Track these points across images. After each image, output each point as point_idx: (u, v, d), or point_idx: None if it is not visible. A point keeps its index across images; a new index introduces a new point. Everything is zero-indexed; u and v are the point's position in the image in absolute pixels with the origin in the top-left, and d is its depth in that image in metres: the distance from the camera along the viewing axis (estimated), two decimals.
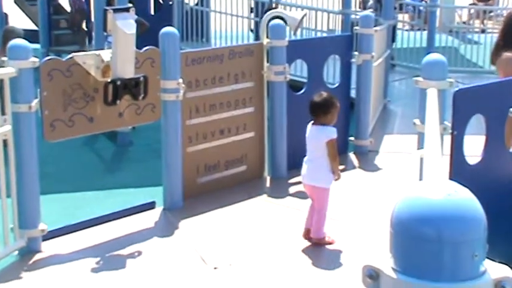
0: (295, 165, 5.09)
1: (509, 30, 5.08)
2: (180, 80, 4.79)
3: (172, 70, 4.76)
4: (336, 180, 4.16)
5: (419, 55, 9.44)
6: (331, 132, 4.13)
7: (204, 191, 5.20)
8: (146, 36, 6.36)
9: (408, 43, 10.99)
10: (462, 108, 3.61)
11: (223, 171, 5.38)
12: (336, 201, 4.66)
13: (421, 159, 3.35)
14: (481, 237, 1.37)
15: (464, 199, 1.39)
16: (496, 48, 5.11)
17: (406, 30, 12.33)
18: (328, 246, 4.23)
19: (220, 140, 5.33)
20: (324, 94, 4.22)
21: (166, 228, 4.60)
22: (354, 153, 6.35)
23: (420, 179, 3.35)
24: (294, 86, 6.54)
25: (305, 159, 4.23)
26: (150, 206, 4.94)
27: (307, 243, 4.24)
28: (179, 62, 4.82)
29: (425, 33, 10.80)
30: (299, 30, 8.41)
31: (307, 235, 4.28)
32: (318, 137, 4.15)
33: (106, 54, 4.25)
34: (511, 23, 5.10)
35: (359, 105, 6.38)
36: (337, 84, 6.40)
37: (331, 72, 8.81)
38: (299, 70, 9.08)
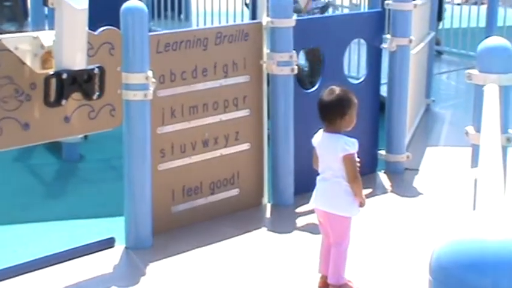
0: (304, 188, 5.09)
1: None
2: (150, 73, 4.81)
3: (139, 59, 4.77)
4: (360, 206, 4.17)
5: (475, 39, 9.49)
6: (349, 144, 4.13)
7: (182, 223, 5.20)
8: (103, 12, 6.37)
9: (460, 22, 11.03)
10: None
11: (208, 197, 5.39)
12: (361, 236, 4.66)
13: (475, 181, 3.36)
14: None
15: None
16: None
17: (458, 4, 12.41)
18: None
19: (204, 154, 5.34)
20: (337, 90, 4.22)
21: (129, 274, 4.59)
22: (385, 172, 6.36)
23: (473, 209, 3.35)
24: (303, 81, 6.55)
25: (319, 177, 4.25)
26: (108, 244, 4.94)
27: None
28: (148, 48, 4.84)
29: (483, 8, 10.86)
30: (310, 4, 8.47)
31: (324, 284, 4.28)
32: (332, 149, 4.16)
33: (47, 37, 4.26)
34: None
35: (392, 107, 6.41)
36: (362, 79, 6.43)
37: (355, 62, 8.86)
38: None
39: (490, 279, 1.35)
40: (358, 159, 4.23)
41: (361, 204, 4.17)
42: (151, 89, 4.81)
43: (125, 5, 4.81)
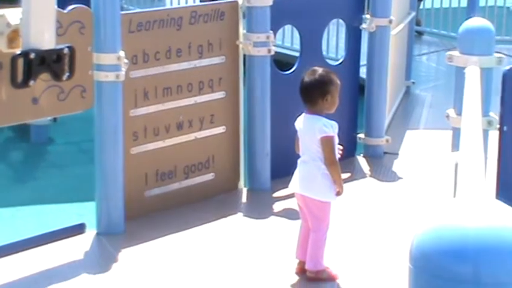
0: (282, 172, 5.10)
1: None
2: (122, 53, 4.78)
3: (110, 39, 4.75)
4: (337, 194, 4.19)
5: (456, 19, 9.52)
6: (327, 126, 4.14)
7: (155, 208, 5.19)
8: None
9: (441, 2, 11.06)
10: None
11: (182, 181, 5.38)
12: (339, 222, 4.68)
13: (456, 165, 3.38)
14: None
15: (510, 226, 1.39)
16: None
17: None
18: (328, 283, 4.24)
19: (178, 137, 5.32)
20: (319, 70, 4.25)
21: (100, 261, 4.58)
22: (364, 156, 6.38)
23: (454, 194, 3.37)
24: (281, 62, 6.53)
25: (299, 160, 4.26)
26: (79, 229, 4.92)
27: (302, 280, 4.25)
28: (119, 27, 4.81)
29: None
30: None
31: (301, 270, 4.30)
32: (311, 130, 4.17)
33: (14, 15, 4.21)
34: None
35: (371, 89, 6.42)
36: (341, 60, 6.43)
37: (333, 43, 8.85)
38: (288, 40, 9.10)
39: (471, 266, 1.36)
40: (340, 147, 4.25)
41: (338, 193, 4.18)
42: (124, 69, 4.78)
43: None
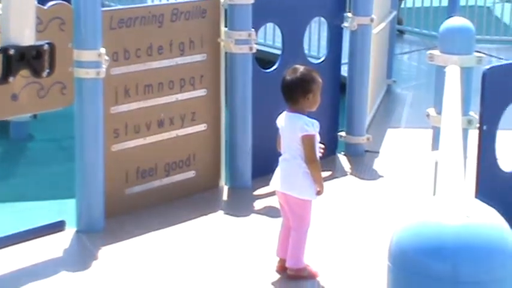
0: (263, 170, 5.10)
1: None
2: (102, 50, 4.76)
3: (91, 36, 4.73)
4: (318, 194, 4.20)
5: (437, 18, 9.56)
6: (308, 125, 4.15)
7: (135, 206, 5.18)
8: None
9: (422, 1, 11.11)
10: (494, 93, 3.68)
11: (163, 179, 5.37)
12: (320, 219, 4.69)
13: (436, 164, 3.40)
14: (510, 275, 1.39)
15: (489, 224, 1.39)
16: None
17: None
18: (309, 281, 4.25)
19: (159, 134, 5.31)
20: (300, 68, 4.26)
21: (80, 258, 4.57)
22: (345, 154, 6.40)
23: (434, 193, 3.39)
24: (263, 60, 6.53)
25: (280, 158, 4.27)
26: (58, 227, 4.90)
27: (282, 278, 4.26)
28: (100, 24, 4.79)
29: None
30: None
31: (282, 268, 4.31)
32: (292, 128, 4.18)
33: None
34: None
35: (353, 87, 6.44)
36: (322, 59, 6.44)
37: (315, 41, 8.87)
38: (270, 38, 9.09)
39: (449, 264, 1.35)
40: (322, 145, 4.26)
41: (319, 193, 4.19)
42: (104, 66, 4.77)
43: None
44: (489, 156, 3.70)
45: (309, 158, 4.14)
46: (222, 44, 5.56)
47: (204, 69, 5.51)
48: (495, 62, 8.53)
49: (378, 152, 6.50)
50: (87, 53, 4.71)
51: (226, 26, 5.57)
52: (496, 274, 1.36)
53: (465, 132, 3.93)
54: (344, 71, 6.54)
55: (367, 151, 6.47)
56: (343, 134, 6.43)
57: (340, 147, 6.44)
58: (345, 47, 6.45)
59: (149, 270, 4.42)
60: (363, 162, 6.28)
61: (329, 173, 5.85)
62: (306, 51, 6.83)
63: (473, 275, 1.36)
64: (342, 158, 6.34)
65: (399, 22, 10.35)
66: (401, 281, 1.40)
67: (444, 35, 4.01)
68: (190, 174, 5.52)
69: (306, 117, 4.17)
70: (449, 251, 1.35)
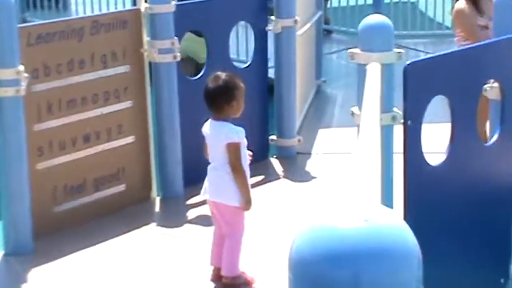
0: (195, 179, 5.06)
1: None
2: (21, 67, 4.69)
3: (8, 53, 4.67)
4: (245, 209, 4.18)
5: (363, 16, 9.60)
6: (233, 133, 4.14)
7: (65, 224, 5.10)
8: None
9: (348, 0, 11.20)
10: (417, 88, 3.71)
11: (92, 194, 5.31)
12: (254, 225, 4.67)
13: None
14: (413, 277, 1.35)
15: (388, 226, 1.35)
16: None
17: None
18: None
19: (86, 149, 5.25)
20: (222, 75, 4.25)
21: (8, 282, 4.52)
22: (277, 157, 6.40)
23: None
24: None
25: (209, 166, 4.25)
26: None
27: (217, 287, 4.24)
28: (17, 40, 4.73)
29: None
30: None
31: (217, 276, 4.28)
32: (217, 137, 4.17)
33: None
34: None
35: (281, 90, 6.44)
36: (249, 63, 6.43)
37: (243, 45, 8.86)
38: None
39: (349, 271, 1.31)
40: (250, 152, 4.24)
41: (245, 208, 4.17)
42: (24, 84, 4.71)
43: None
44: (415, 150, 3.72)
45: (234, 166, 4.13)
46: (145, 54, 5.52)
47: (128, 80, 5.46)
48: (423, 56, 8.62)
49: (309, 153, 6.51)
50: (4, 71, 4.65)
51: (149, 36, 5.53)
52: (397, 277, 1.32)
53: (390, 128, 3.94)
54: (272, 74, 6.54)
55: (298, 153, 6.47)
56: (274, 137, 6.42)
57: (271, 150, 6.44)
58: (270, 50, 6.45)
59: None
60: (295, 165, 6.28)
61: (262, 177, 5.84)
62: (235, 56, 6.81)
63: (374, 279, 1.31)
64: (274, 162, 6.33)
65: (326, 22, 10.42)
66: None
67: (363, 33, 4.03)
68: (121, 187, 5.46)
69: (230, 125, 4.16)
70: (347, 255, 1.30)
